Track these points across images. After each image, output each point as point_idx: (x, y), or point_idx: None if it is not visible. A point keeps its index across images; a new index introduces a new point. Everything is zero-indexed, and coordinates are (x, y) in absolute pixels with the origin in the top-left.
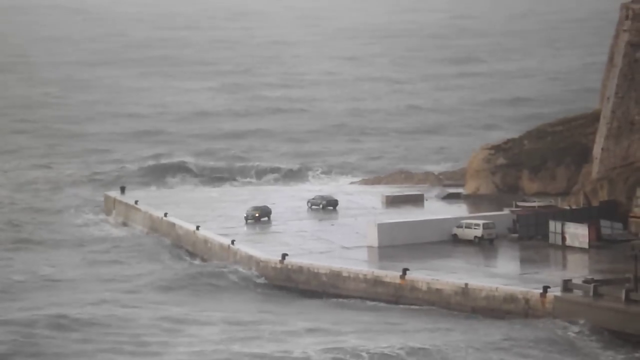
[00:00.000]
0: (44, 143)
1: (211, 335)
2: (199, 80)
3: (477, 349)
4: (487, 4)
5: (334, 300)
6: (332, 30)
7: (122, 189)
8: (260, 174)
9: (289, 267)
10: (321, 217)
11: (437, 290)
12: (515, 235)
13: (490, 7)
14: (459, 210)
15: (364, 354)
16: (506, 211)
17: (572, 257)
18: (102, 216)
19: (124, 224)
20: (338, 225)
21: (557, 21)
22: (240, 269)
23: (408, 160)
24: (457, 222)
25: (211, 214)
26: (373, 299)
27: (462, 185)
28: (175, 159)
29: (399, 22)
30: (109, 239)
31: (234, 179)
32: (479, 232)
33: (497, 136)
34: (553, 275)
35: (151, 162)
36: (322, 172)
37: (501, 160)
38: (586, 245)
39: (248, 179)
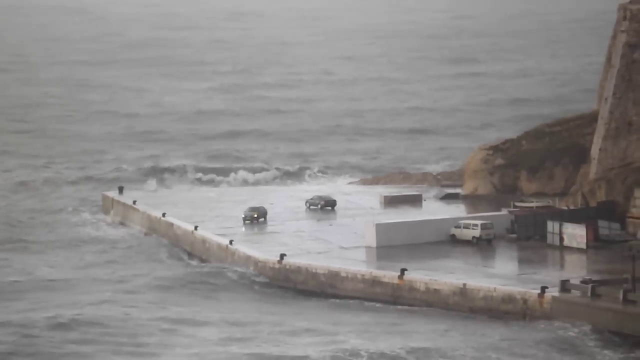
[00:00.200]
0: (42, 143)
1: (209, 336)
2: (197, 81)
3: (476, 349)
4: (486, 4)
5: (332, 300)
6: (331, 31)
7: (120, 189)
8: (259, 174)
9: (287, 267)
10: (319, 218)
11: (435, 290)
12: (513, 235)
13: (489, 8)
14: (457, 210)
15: (363, 353)
16: (504, 211)
17: (570, 258)
18: (100, 216)
19: (122, 224)
20: (336, 225)
21: (555, 22)
22: (239, 269)
23: (406, 160)
24: (455, 223)
25: (209, 214)
26: (371, 299)
27: (460, 186)
28: (173, 159)
29: (398, 22)
30: (106, 239)
31: (232, 179)
32: (477, 232)
33: (495, 136)
34: (551, 276)
35: (149, 162)
36: (320, 172)
37: (499, 161)
38: (584, 246)
39: (245, 178)
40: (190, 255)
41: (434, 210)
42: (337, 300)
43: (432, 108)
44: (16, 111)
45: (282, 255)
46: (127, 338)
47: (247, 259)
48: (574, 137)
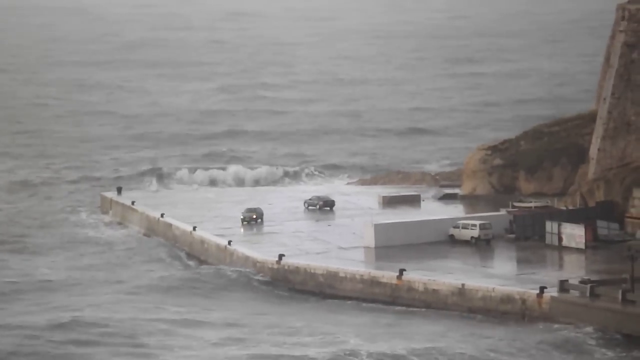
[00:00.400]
0: (41, 143)
1: (209, 337)
2: (196, 81)
3: (476, 349)
4: (484, 4)
5: (331, 300)
6: (329, 31)
7: (119, 190)
8: (258, 174)
9: (286, 267)
10: (318, 218)
11: (434, 290)
12: (512, 235)
13: (487, 8)
14: (455, 210)
15: (362, 353)
16: (503, 212)
17: (568, 258)
18: (98, 217)
19: (121, 225)
20: (335, 225)
21: (553, 22)
22: (238, 270)
23: (405, 160)
24: (453, 223)
25: (208, 214)
26: (370, 300)
27: (458, 186)
28: (172, 159)
29: (396, 22)
30: (105, 239)
31: (228, 176)
32: (475, 232)
33: (494, 137)
34: (550, 276)
35: (148, 163)
36: (319, 173)
37: (498, 161)
38: (583, 246)
39: (239, 174)
40: (189, 256)
41: (433, 210)
42: (336, 301)
43: (431, 108)
44: (15, 111)
45: (281, 256)
46: (127, 339)
47: (246, 260)
48: (572, 137)
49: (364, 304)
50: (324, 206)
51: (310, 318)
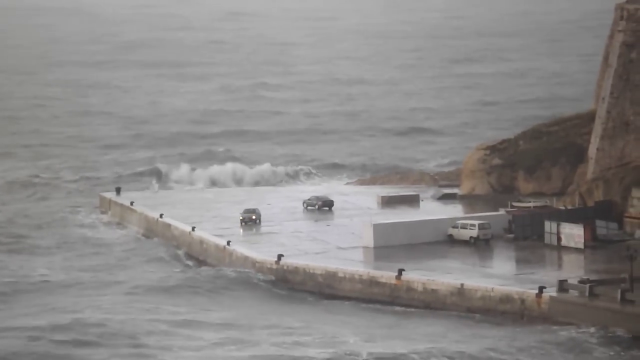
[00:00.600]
0: (40, 144)
1: (208, 338)
2: (195, 81)
3: (475, 349)
4: (482, 4)
5: (330, 301)
6: (329, 31)
7: (118, 190)
8: (258, 173)
9: (285, 267)
10: (317, 218)
11: (433, 290)
12: (511, 235)
13: (485, 8)
14: (454, 210)
15: (362, 353)
16: (502, 211)
17: (567, 258)
18: (97, 217)
19: (120, 225)
20: (334, 225)
21: (552, 22)
22: (237, 270)
23: (404, 160)
24: (452, 223)
25: (206, 214)
26: (369, 300)
27: (457, 186)
28: (171, 160)
29: (395, 22)
30: (104, 240)
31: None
32: (474, 232)
33: (493, 136)
34: (549, 276)
35: (147, 163)
36: (318, 173)
37: (496, 161)
38: (582, 246)
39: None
40: (188, 256)
41: (432, 210)
42: (335, 301)
43: (430, 108)
44: (14, 112)
45: (280, 256)
46: (126, 339)
47: (245, 260)
48: (571, 137)
49: (363, 304)
50: (323, 206)
51: (309, 318)
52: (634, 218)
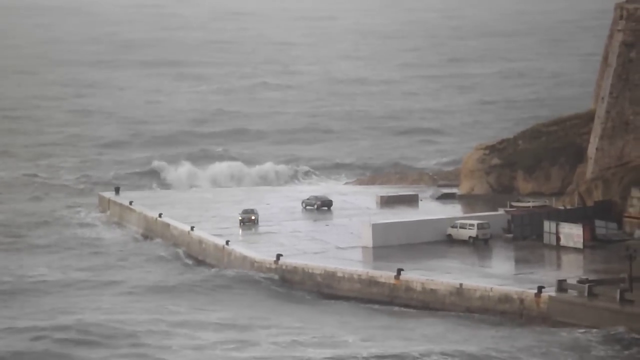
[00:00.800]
0: (39, 144)
1: (208, 338)
2: (194, 81)
3: (476, 348)
4: (483, 3)
5: (329, 300)
6: (328, 31)
7: (117, 190)
8: (256, 174)
9: (284, 267)
10: (316, 218)
11: (432, 290)
12: (510, 235)
13: (484, 8)
14: (453, 210)
15: (361, 353)
16: (501, 211)
17: (566, 257)
18: (96, 217)
19: (119, 225)
20: (332, 225)
21: (551, 21)
22: (236, 270)
23: (402, 160)
24: (451, 223)
25: (205, 214)
26: (368, 300)
27: (456, 186)
28: (170, 160)
29: (394, 22)
30: (103, 240)
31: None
32: (473, 232)
33: (492, 136)
34: (548, 276)
35: (146, 163)
36: (316, 173)
37: (495, 161)
38: (581, 246)
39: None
40: (187, 256)
41: (431, 210)
42: (334, 301)
43: (429, 108)
44: (14, 111)
45: (279, 256)
46: (126, 340)
47: (244, 260)
48: (570, 137)
49: (362, 304)
50: (322, 206)
51: (308, 318)
52: (633, 218)
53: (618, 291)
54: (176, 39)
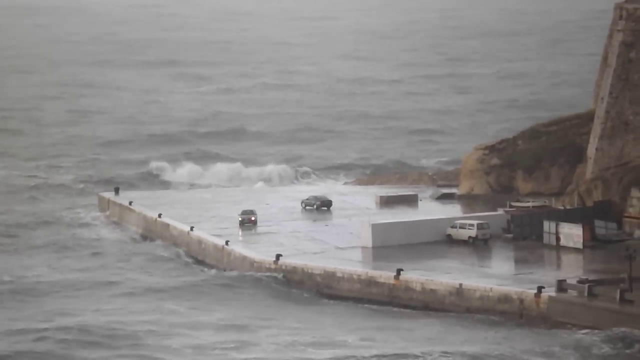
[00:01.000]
0: (39, 144)
1: (208, 339)
2: (194, 81)
3: (476, 348)
4: (483, 3)
5: (328, 300)
6: (327, 31)
7: (116, 190)
8: (255, 174)
9: (283, 267)
10: (315, 218)
11: (432, 290)
12: (510, 235)
13: (485, 7)
14: (453, 210)
15: (360, 353)
16: (500, 211)
17: (566, 258)
18: (96, 217)
19: (118, 225)
20: (332, 225)
21: (551, 21)
22: (235, 270)
23: (402, 160)
24: (451, 223)
25: (205, 214)
26: (367, 300)
27: (456, 186)
28: (170, 160)
29: (393, 22)
30: (102, 240)
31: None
32: (473, 232)
33: (491, 135)
34: (547, 276)
35: (146, 163)
36: (316, 173)
37: (495, 161)
38: (580, 246)
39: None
40: (187, 256)
41: (430, 210)
42: (333, 301)
43: (428, 108)
44: (13, 111)
45: (278, 256)
46: (126, 340)
47: (243, 260)
48: (570, 137)
49: (362, 304)
50: (322, 206)
51: (308, 318)
52: (633, 218)
53: (618, 291)
54: (176, 39)
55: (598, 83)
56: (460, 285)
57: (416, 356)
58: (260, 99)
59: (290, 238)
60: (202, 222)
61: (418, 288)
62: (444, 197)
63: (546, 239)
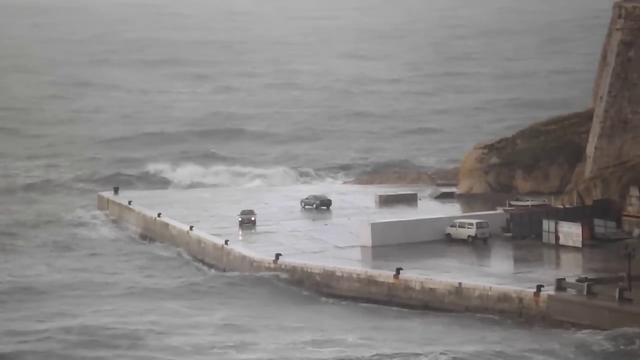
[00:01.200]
0: (38, 144)
1: (208, 339)
2: (193, 81)
3: (475, 347)
4: (482, 3)
5: (328, 300)
6: (328, 31)
7: (116, 189)
8: (255, 174)
9: (283, 267)
10: (314, 217)
11: (431, 289)
12: (509, 234)
13: (485, 7)
14: (452, 209)
15: (360, 352)
16: (500, 210)
17: (565, 256)
18: (95, 217)
19: (117, 225)
20: (331, 225)
21: (550, 21)
22: (235, 270)
23: (401, 159)
24: (450, 222)
25: (204, 214)
26: (366, 299)
27: (455, 185)
28: (169, 159)
29: (393, 22)
30: (102, 240)
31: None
32: (472, 231)
33: (491, 134)
34: (547, 274)
35: (145, 163)
36: (316, 172)
37: (494, 160)
38: (580, 244)
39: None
40: (186, 255)
41: (429, 209)
42: (332, 300)
43: (428, 107)
44: (13, 111)
45: (278, 255)
46: (126, 340)
47: (243, 259)
48: (569, 136)
49: (361, 303)
50: (321, 205)
51: (307, 317)
52: (632, 217)
53: (617, 290)
54: (176, 38)
55: (597, 82)
56: (460, 284)
57: (415, 355)
58: (260, 99)
59: (289, 237)
60: (202, 222)
61: (417, 287)
62: (443, 196)
63: (545, 237)
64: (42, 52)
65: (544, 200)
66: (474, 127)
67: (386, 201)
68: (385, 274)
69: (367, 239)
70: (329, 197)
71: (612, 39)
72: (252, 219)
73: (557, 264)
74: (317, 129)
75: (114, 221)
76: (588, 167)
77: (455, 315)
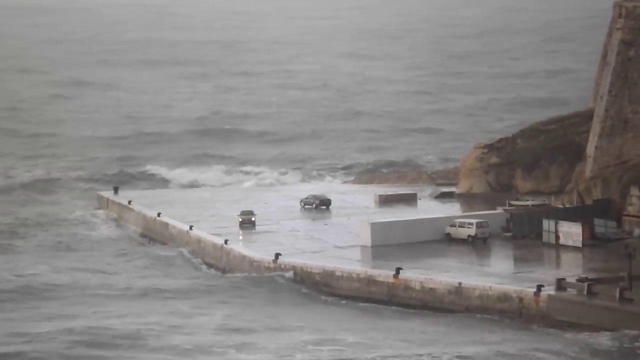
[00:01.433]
0: (38, 143)
1: (208, 339)
2: (193, 81)
3: (475, 347)
4: (483, 3)
5: (327, 299)
6: (328, 30)
7: (116, 189)
8: (255, 173)
9: (282, 266)
10: (314, 217)
11: (431, 289)
12: (509, 234)
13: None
14: (452, 209)
15: (360, 352)
16: (500, 210)
17: (565, 256)
18: (95, 216)
19: (117, 224)
20: (331, 224)
21: (550, 20)
22: (235, 270)
23: (401, 159)
24: (450, 221)
25: (204, 213)
26: (366, 299)
27: (455, 184)
28: (169, 159)
29: (393, 22)
30: (102, 239)
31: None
32: (472, 231)
33: (491, 134)
34: (547, 274)
35: (145, 162)
36: (315, 172)
37: (494, 159)
38: (580, 244)
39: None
40: (186, 255)
41: (429, 209)
42: (332, 300)
43: (427, 107)
44: (13, 111)
45: (277, 255)
46: (126, 340)
47: (243, 259)
48: (569, 135)
49: (361, 303)
50: (321, 205)
51: (307, 317)
52: (633, 216)
53: (617, 290)
54: (176, 38)
55: (597, 81)
56: (460, 284)
57: (416, 355)
58: (259, 99)
59: (289, 237)
60: (201, 221)
61: (417, 287)
62: (443, 196)
63: (545, 237)
64: (42, 52)
65: (544, 200)
66: (474, 127)
67: (386, 201)
68: (385, 274)
69: (366, 238)
70: (329, 197)
71: (613, 38)
72: (252, 219)
73: (558, 264)
74: (317, 129)
75: (113, 221)
76: (588, 167)
77: (455, 315)
